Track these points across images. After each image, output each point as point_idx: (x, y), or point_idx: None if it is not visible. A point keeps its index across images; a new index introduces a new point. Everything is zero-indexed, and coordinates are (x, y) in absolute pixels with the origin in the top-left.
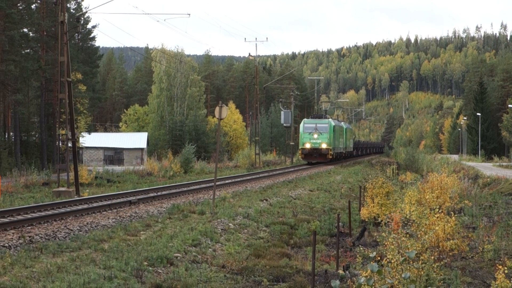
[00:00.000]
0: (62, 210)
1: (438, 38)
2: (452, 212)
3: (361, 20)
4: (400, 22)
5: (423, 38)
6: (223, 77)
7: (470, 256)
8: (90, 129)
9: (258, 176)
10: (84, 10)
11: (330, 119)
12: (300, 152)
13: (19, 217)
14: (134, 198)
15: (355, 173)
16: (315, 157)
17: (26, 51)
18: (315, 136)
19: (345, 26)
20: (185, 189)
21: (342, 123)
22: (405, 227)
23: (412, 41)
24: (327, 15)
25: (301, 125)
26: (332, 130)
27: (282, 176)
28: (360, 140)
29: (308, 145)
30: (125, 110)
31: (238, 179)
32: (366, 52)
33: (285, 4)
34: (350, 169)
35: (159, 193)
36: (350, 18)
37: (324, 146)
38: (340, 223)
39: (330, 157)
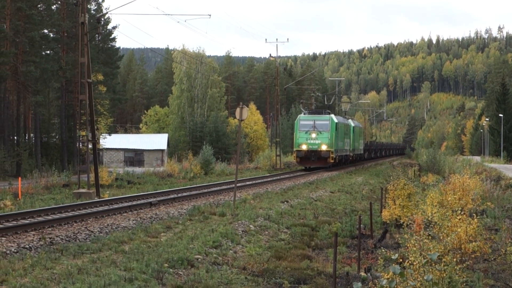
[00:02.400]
0: (83, 211)
1: (460, 38)
2: (474, 214)
3: (378, 21)
4: (419, 23)
5: (445, 38)
6: (244, 78)
7: (492, 258)
8: (111, 131)
9: (279, 177)
10: (104, 11)
11: (332, 115)
12: (294, 155)
13: (40, 219)
14: (154, 199)
15: (376, 174)
16: (312, 161)
17: (47, 52)
18: (313, 135)
19: (363, 27)
20: (206, 190)
21: (350, 120)
22: (427, 229)
23: (434, 41)
24: (344, 17)
25: (296, 122)
26: (334, 128)
27: (303, 178)
28: (373, 141)
29: (304, 147)
30: (145, 111)
31: (259, 181)
32: (388, 53)
33: (303, 6)
34: (354, 177)
35: (179, 195)
36: (367, 19)
37: (324, 147)
38: (361, 225)
39: (332, 161)
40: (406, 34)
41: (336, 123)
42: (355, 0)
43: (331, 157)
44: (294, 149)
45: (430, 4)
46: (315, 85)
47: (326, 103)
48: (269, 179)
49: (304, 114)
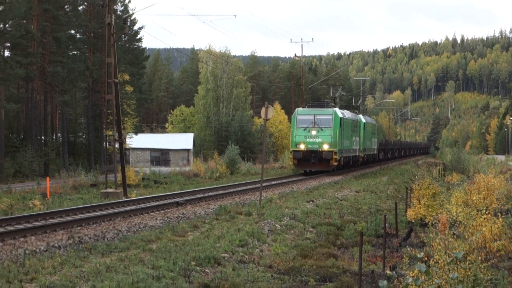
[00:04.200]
0: (111, 211)
1: (485, 38)
2: (499, 213)
3: (399, 20)
4: (439, 22)
5: (469, 38)
6: (269, 77)
7: None
8: (137, 130)
9: (304, 177)
10: (130, 12)
11: (335, 109)
12: (291, 156)
13: (68, 218)
14: (181, 199)
15: (401, 173)
16: (312, 163)
17: (73, 52)
18: (313, 133)
19: (385, 26)
20: (232, 190)
21: (360, 116)
22: (452, 228)
23: (458, 41)
24: (366, 16)
25: (294, 116)
26: (338, 124)
27: (328, 177)
28: (388, 140)
29: (302, 146)
30: (171, 111)
31: (284, 180)
32: (412, 52)
33: (326, 6)
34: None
35: (206, 194)
36: (387, 18)
37: (325, 147)
38: (386, 224)
39: (335, 163)
40: (431, 33)
41: (341, 118)
42: None
43: (334, 158)
44: (291, 149)
45: (449, 3)
46: (340, 84)
47: (354, 103)
48: (294, 178)
49: (303, 108)
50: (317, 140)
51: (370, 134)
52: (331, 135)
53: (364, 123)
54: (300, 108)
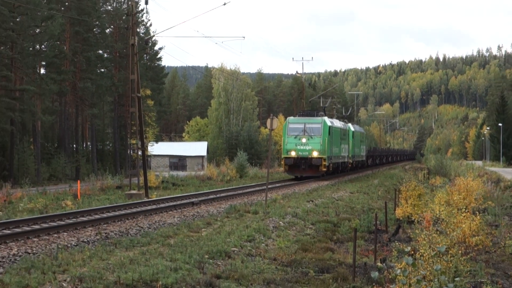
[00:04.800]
0: (134, 210)
1: (464, 57)
2: (477, 212)
3: (388, 41)
4: (424, 43)
5: (450, 57)
6: (273, 92)
7: (493, 251)
8: (157, 139)
9: (305, 180)
10: (151, 34)
11: (324, 118)
12: (282, 163)
13: (96, 216)
14: (196, 199)
15: (390, 177)
16: (303, 169)
17: (101, 70)
18: (303, 140)
19: (376, 47)
20: (241, 191)
21: (349, 124)
22: (436, 225)
23: (441, 60)
24: (359, 37)
25: (285, 125)
26: (327, 133)
27: (326, 180)
28: (376, 147)
29: (293, 153)
30: (187, 122)
31: (287, 183)
32: (400, 69)
33: (324, 28)
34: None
35: (218, 195)
36: (378, 40)
37: (315, 154)
38: (377, 221)
39: (324, 169)
40: (416, 53)
41: (330, 126)
42: (366, 22)
43: (324, 164)
44: (283, 156)
45: (433, 26)
46: (336, 98)
47: (344, 113)
48: (296, 181)
49: (294, 116)
50: (307, 148)
51: (358, 142)
52: (320, 142)
53: (353, 131)
54: (291, 117)
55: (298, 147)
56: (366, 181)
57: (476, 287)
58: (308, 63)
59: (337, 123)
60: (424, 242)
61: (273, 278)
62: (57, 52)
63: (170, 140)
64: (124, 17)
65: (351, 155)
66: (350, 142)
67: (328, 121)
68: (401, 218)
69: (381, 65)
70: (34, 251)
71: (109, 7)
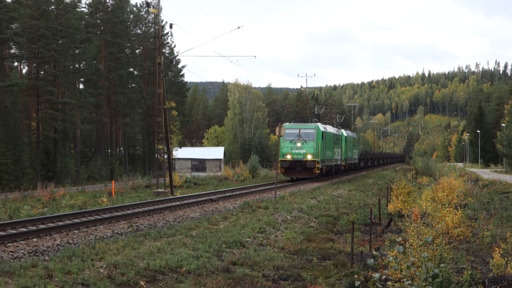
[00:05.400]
0: (161, 206)
1: (446, 72)
2: (458, 207)
3: (380, 59)
4: (410, 60)
5: (434, 73)
6: (281, 104)
7: (473, 241)
8: (181, 145)
9: (309, 180)
10: (175, 54)
11: (318, 124)
12: (279, 165)
13: (128, 211)
14: (214, 196)
15: (383, 177)
16: (298, 171)
17: (132, 85)
18: (298, 144)
19: (369, 64)
20: (253, 190)
21: (342, 130)
22: (423, 218)
23: (426, 75)
24: (355, 56)
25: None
26: (320, 137)
27: (327, 180)
28: (368, 151)
29: (289, 157)
30: (207, 129)
31: (294, 183)
32: (391, 84)
33: (325, 48)
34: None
35: (233, 193)
36: (371, 58)
37: (309, 157)
38: (372, 215)
39: (318, 171)
40: (405, 69)
41: (323, 132)
42: (361, 42)
43: (317, 167)
44: (279, 159)
45: (419, 45)
46: (336, 109)
47: (337, 120)
48: (301, 181)
49: (290, 122)
50: (302, 151)
51: (351, 146)
52: (314, 146)
53: (346, 136)
54: (287, 123)
55: (293, 150)
56: (362, 181)
57: (458, 272)
58: (311, 78)
59: (330, 129)
60: (413, 233)
61: (282, 265)
62: (94, 70)
63: (192, 145)
64: (151, 39)
65: (344, 158)
66: (343, 146)
67: (321, 126)
68: (392, 213)
69: (374, 80)
70: (75, 242)
71: (139, 31)
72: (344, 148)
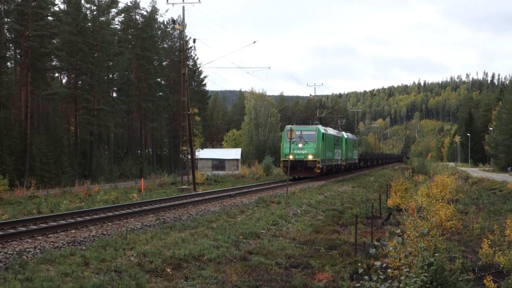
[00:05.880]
0: (184, 201)
1: (440, 82)
2: (451, 202)
3: (382, 70)
4: (408, 71)
5: (429, 82)
6: (292, 110)
7: (463, 232)
8: (202, 146)
9: (330, 176)
10: (198, 66)
11: (318, 126)
12: (281, 165)
13: (156, 206)
14: (232, 192)
15: (383, 175)
16: (299, 171)
17: (160, 94)
18: (300, 145)
19: (371, 74)
20: (267, 186)
21: (343, 132)
22: (419, 212)
23: (422, 84)
24: (358, 68)
25: (284, 132)
26: (320, 139)
27: (334, 178)
28: (368, 152)
29: (291, 157)
30: (226, 133)
31: (304, 180)
32: (390, 92)
33: (331, 61)
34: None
35: (249, 189)
36: (372, 69)
37: (310, 157)
38: (373, 210)
39: (318, 171)
40: (402, 79)
41: (323, 133)
42: (363, 55)
43: (317, 167)
44: (281, 159)
45: (415, 58)
46: (341, 115)
47: (339, 123)
48: (310, 179)
49: (292, 125)
50: (303, 152)
51: (351, 147)
52: (314, 147)
53: (346, 138)
54: (289, 126)
55: (295, 151)
56: (364, 179)
57: (451, 260)
58: (318, 87)
59: (331, 131)
60: (410, 225)
61: (293, 254)
62: (126, 80)
63: (213, 147)
64: (177, 53)
65: (344, 158)
66: (343, 147)
67: (321, 129)
68: (391, 207)
69: (375, 89)
70: (109, 233)
71: (166, 45)
72: (345, 149)
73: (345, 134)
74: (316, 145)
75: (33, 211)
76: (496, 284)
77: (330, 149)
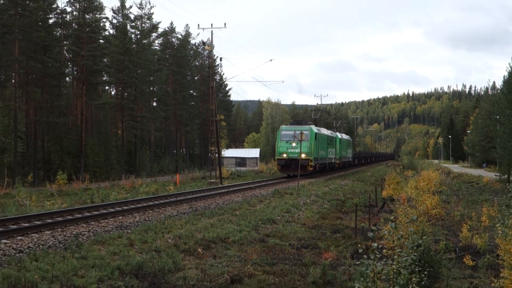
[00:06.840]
0: (213, 192)
1: (426, 92)
2: (435, 193)
3: (376, 83)
4: (398, 84)
5: (416, 93)
6: (302, 116)
7: (446, 219)
8: (227, 147)
9: (323, 173)
10: (224, 80)
11: (312, 126)
12: (276, 163)
13: (189, 196)
14: (253, 185)
15: (378, 171)
16: (293, 168)
17: (192, 103)
18: (293, 144)
19: (367, 86)
20: (281, 180)
21: (337, 133)
22: (409, 202)
23: (410, 95)
24: (357, 81)
25: (278, 132)
26: (313, 138)
27: (336, 173)
28: (363, 151)
29: (285, 155)
30: (247, 136)
31: (312, 175)
32: (383, 101)
33: (334, 75)
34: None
35: (267, 183)
36: (367, 81)
37: (303, 156)
38: (370, 199)
39: (311, 168)
40: (394, 90)
41: (316, 133)
42: (360, 71)
43: (310, 165)
44: (276, 157)
45: (404, 72)
46: (343, 120)
47: (335, 125)
48: (317, 174)
49: (286, 125)
50: (296, 150)
51: (345, 147)
52: (307, 146)
53: (340, 138)
54: (284, 125)
55: (289, 150)
56: (362, 174)
57: (436, 242)
58: (324, 97)
59: (324, 131)
60: (402, 213)
61: (303, 236)
62: (164, 92)
63: (236, 147)
64: (206, 69)
65: (338, 156)
66: (337, 146)
67: (315, 129)
68: (386, 197)
69: (371, 99)
70: (150, 219)
71: (197, 63)
72: (339, 148)
73: (339, 135)
74: (309, 144)
75: (87, 201)
76: (474, 262)
77: (323, 148)
